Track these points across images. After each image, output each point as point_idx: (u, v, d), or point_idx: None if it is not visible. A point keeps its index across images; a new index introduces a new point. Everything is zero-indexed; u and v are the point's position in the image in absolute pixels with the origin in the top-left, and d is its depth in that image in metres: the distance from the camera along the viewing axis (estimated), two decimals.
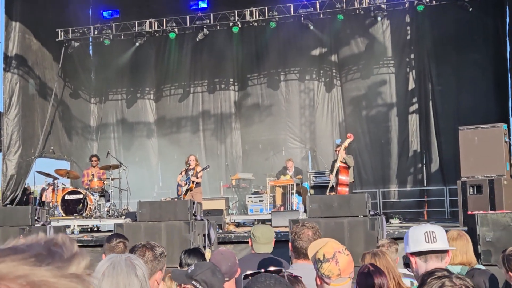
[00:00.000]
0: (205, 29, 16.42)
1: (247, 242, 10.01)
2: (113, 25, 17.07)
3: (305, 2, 15.70)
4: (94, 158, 15.03)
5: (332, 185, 12.47)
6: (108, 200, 14.51)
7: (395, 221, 12.60)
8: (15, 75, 16.03)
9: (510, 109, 15.69)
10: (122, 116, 19.62)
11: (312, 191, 14.57)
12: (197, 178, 12.94)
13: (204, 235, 9.06)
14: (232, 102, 18.73)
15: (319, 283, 2.88)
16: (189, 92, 19.04)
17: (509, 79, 15.82)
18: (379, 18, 15.15)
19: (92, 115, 19.79)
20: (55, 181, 14.25)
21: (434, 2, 14.96)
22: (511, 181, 10.14)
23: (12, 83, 15.96)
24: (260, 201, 14.51)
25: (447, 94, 16.24)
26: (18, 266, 0.76)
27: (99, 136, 19.63)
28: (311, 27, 15.94)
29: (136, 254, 3.29)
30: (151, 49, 18.98)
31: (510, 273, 4.17)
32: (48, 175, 14.52)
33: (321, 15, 15.80)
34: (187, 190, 12.84)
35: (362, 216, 8.32)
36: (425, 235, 3.01)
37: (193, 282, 3.22)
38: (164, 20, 16.70)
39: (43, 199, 14.54)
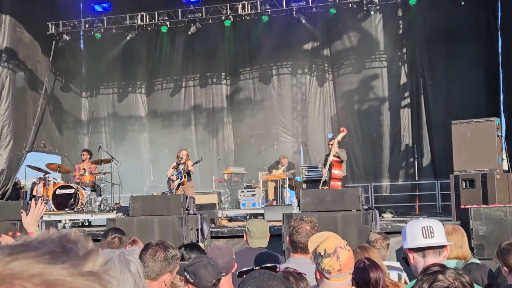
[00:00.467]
0: (197, 23, 16.33)
1: (240, 237, 10.03)
2: (104, 18, 16.94)
3: None
4: (85, 153, 14.94)
5: (325, 179, 12.47)
6: (100, 195, 14.43)
7: (387, 215, 12.62)
8: (5, 68, 15.89)
9: (501, 103, 15.76)
10: (114, 110, 19.53)
11: (304, 185, 14.57)
12: (190, 171, 12.94)
13: (197, 230, 9.04)
14: (224, 96, 18.68)
15: (318, 277, 2.87)
16: (180, 86, 18.98)
17: (501, 73, 15.91)
18: (372, 12, 15.13)
19: (83, 109, 19.69)
20: (46, 175, 14.15)
21: None
22: (503, 175, 10.17)
23: (2, 76, 15.82)
24: (253, 195, 14.49)
25: (439, 88, 16.28)
26: (32, 264, 0.72)
27: (90, 130, 19.53)
28: (303, 21, 15.91)
29: (148, 252, 3.27)
30: (142, 42, 18.89)
31: (505, 267, 4.18)
32: (39, 169, 14.42)
33: (314, 9, 15.76)
34: (179, 185, 12.80)
35: (355, 210, 8.32)
36: (422, 230, 2.99)
37: (185, 273, 3.28)
38: (156, 13, 16.60)
39: (34, 193, 14.43)
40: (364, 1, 15.00)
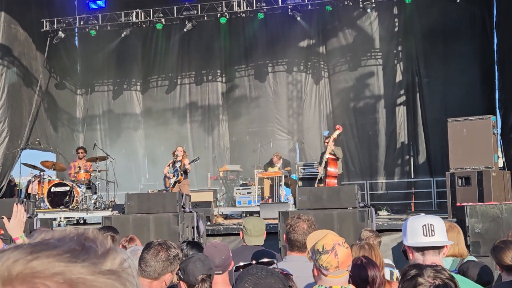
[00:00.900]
0: (193, 20, 16.29)
1: (235, 234, 10.01)
2: (99, 15, 16.89)
3: None
4: (80, 150, 14.90)
5: (321, 177, 12.47)
6: (95, 192, 14.40)
7: (383, 213, 12.63)
8: (0, 65, 15.82)
9: (497, 101, 15.79)
10: (109, 107, 19.47)
11: (300, 183, 14.56)
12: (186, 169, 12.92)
13: (193, 227, 9.02)
14: (219, 93, 18.65)
15: (316, 274, 2.85)
16: (176, 83, 18.94)
17: (496, 71, 15.93)
18: (368, 10, 15.13)
19: (78, 107, 19.63)
20: (42, 173, 14.10)
21: None
22: (499, 172, 10.19)
23: None
24: (248, 193, 14.47)
25: (435, 86, 16.29)
26: (54, 263, 0.72)
27: (85, 127, 19.47)
28: (299, 19, 15.91)
29: (150, 252, 3.26)
30: (137, 40, 18.83)
31: (498, 266, 4.18)
32: (34, 167, 14.38)
33: (309, 6, 15.74)
34: (175, 182, 12.77)
35: (351, 208, 8.33)
36: (423, 228, 2.99)
37: (178, 270, 3.33)
38: (151, 10, 16.55)
39: (29, 191, 14.38)
40: None
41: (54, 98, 18.16)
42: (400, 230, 9.31)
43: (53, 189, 13.85)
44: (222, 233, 10.49)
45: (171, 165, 13.16)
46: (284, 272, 2.86)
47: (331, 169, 12.26)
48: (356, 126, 16.97)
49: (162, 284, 3.23)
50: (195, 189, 15.01)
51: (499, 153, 10.64)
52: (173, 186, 12.77)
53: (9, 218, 3.75)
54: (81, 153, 14.79)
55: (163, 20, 16.57)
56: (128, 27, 16.78)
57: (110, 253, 0.77)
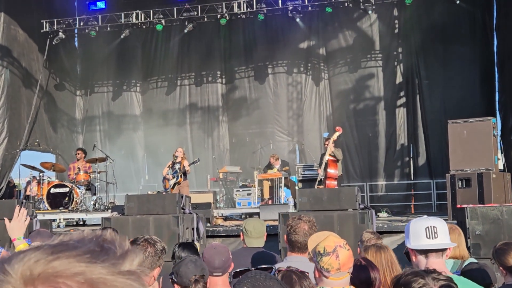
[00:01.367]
0: (194, 22, 16.29)
1: (235, 236, 9.99)
2: (99, 16, 16.88)
3: None
4: (80, 152, 14.88)
5: (321, 179, 12.45)
6: (95, 194, 14.38)
7: (383, 215, 12.62)
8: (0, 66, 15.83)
9: (497, 102, 15.77)
10: (108, 108, 19.46)
11: (300, 185, 14.54)
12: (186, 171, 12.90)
13: (193, 229, 9.00)
14: (219, 95, 18.63)
15: (317, 276, 2.84)
16: (176, 84, 18.92)
17: (496, 73, 15.92)
18: (369, 12, 15.13)
19: (78, 108, 19.61)
20: (41, 174, 14.08)
21: None
22: (499, 174, 10.17)
23: None
24: (248, 194, 14.44)
25: (435, 88, 16.28)
26: (74, 263, 0.74)
27: (84, 128, 19.46)
28: (299, 20, 15.90)
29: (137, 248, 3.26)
30: (137, 41, 18.82)
31: (501, 268, 4.16)
32: (33, 168, 14.36)
33: (309, 8, 15.73)
34: (175, 184, 12.75)
35: (351, 210, 8.31)
36: (426, 231, 2.97)
37: (172, 274, 3.41)
38: (151, 11, 16.54)
39: (28, 192, 14.36)
40: (361, 1, 14.99)
41: (54, 99, 18.15)
42: (400, 232, 9.30)
43: (52, 190, 13.84)
44: (222, 234, 10.47)
45: (170, 166, 13.13)
46: (299, 270, 2.85)
47: (331, 171, 12.25)
48: (356, 128, 16.96)
49: (151, 278, 3.25)
50: (194, 190, 15.00)
51: (499, 155, 10.63)
52: (173, 187, 12.75)
53: (9, 219, 3.76)
54: (81, 154, 14.78)
55: (163, 21, 16.57)
56: (128, 28, 16.77)
57: (128, 254, 0.80)
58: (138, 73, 19.22)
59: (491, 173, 9.93)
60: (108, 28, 17.16)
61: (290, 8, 15.62)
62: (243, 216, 13.48)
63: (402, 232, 9.09)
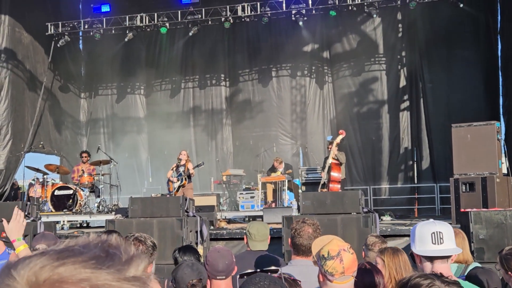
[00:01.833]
0: (199, 25, 16.33)
1: (239, 239, 9.99)
2: (104, 19, 16.92)
3: None
4: (84, 154, 14.93)
5: (324, 182, 12.45)
6: (98, 196, 14.40)
7: (386, 218, 12.58)
8: (4, 69, 15.87)
9: (500, 106, 15.75)
10: (112, 111, 19.50)
11: (303, 188, 14.54)
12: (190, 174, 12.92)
13: (197, 232, 9.00)
14: (223, 98, 18.65)
15: (321, 280, 2.84)
16: (180, 87, 18.95)
17: (500, 77, 15.90)
18: (373, 15, 15.13)
19: (82, 110, 19.66)
20: (45, 176, 14.11)
21: None
22: (503, 178, 10.15)
23: (1, 77, 15.80)
24: (251, 197, 14.45)
25: (438, 92, 16.26)
26: (80, 269, 0.74)
27: (88, 131, 19.50)
28: (302, 24, 15.90)
29: None
30: (142, 44, 18.86)
31: (510, 273, 4.14)
32: (37, 170, 14.38)
33: (313, 11, 15.75)
34: (179, 187, 12.76)
35: (355, 213, 8.31)
36: (432, 236, 2.97)
37: (171, 282, 3.43)
38: (156, 14, 16.58)
39: (31, 194, 14.39)
40: (365, 4, 15.00)
41: (58, 101, 18.20)
42: (403, 236, 9.30)
43: (56, 192, 13.87)
44: (226, 237, 10.46)
45: (174, 169, 13.16)
46: (292, 278, 2.86)
47: (335, 174, 12.25)
48: (360, 131, 16.96)
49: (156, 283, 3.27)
50: (198, 193, 15.01)
51: (503, 159, 10.62)
52: (177, 190, 12.77)
53: (8, 221, 3.78)
54: (85, 157, 14.82)
55: (167, 24, 16.60)
56: (132, 31, 16.81)
57: (134, 260, 0.79)
58: (142, 76, 19.25)
59: (495, 177, 9.92)
60: (113, 31, 17.20)
61: (294, 11, 15.64)
62: (247, 219, 13.49)
63: (406, 235, 9.11)
